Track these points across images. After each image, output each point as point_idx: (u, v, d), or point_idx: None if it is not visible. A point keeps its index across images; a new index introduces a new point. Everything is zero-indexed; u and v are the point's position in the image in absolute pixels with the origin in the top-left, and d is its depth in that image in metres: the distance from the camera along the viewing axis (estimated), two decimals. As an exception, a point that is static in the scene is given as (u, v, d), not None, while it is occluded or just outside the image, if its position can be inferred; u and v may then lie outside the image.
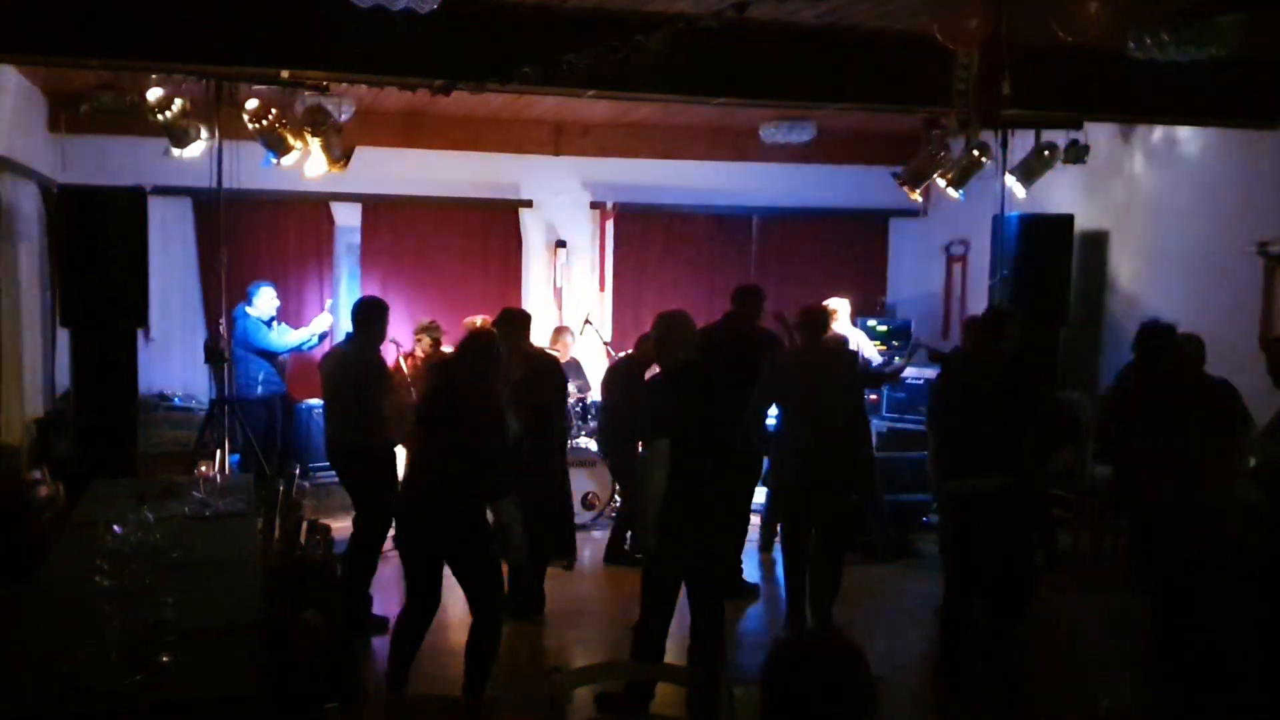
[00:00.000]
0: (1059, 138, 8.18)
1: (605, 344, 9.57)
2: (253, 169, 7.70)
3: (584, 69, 5.26)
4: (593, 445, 8.58)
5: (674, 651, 5.24)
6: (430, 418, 5.17)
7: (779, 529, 7.18)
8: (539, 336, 9.72)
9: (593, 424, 8.86)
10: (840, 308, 7.86)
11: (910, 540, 8.11)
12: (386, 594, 6.80)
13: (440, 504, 4.92)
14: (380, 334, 6.55)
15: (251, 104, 7.02)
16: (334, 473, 6.90)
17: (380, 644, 6.07)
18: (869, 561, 7.69)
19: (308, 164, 7.54)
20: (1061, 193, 9.05)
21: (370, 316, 6.46)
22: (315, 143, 7.18)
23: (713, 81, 5.94)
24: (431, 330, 8.29)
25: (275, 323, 8.89)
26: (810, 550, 6.10)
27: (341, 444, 6.49)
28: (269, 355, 8.72)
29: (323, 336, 9.06)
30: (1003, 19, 4.03)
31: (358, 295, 9.21)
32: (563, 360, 8.02)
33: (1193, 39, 5.13)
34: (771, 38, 5.80)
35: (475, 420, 4.91)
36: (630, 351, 8.16)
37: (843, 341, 7.33)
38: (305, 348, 9.04)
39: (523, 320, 6.58)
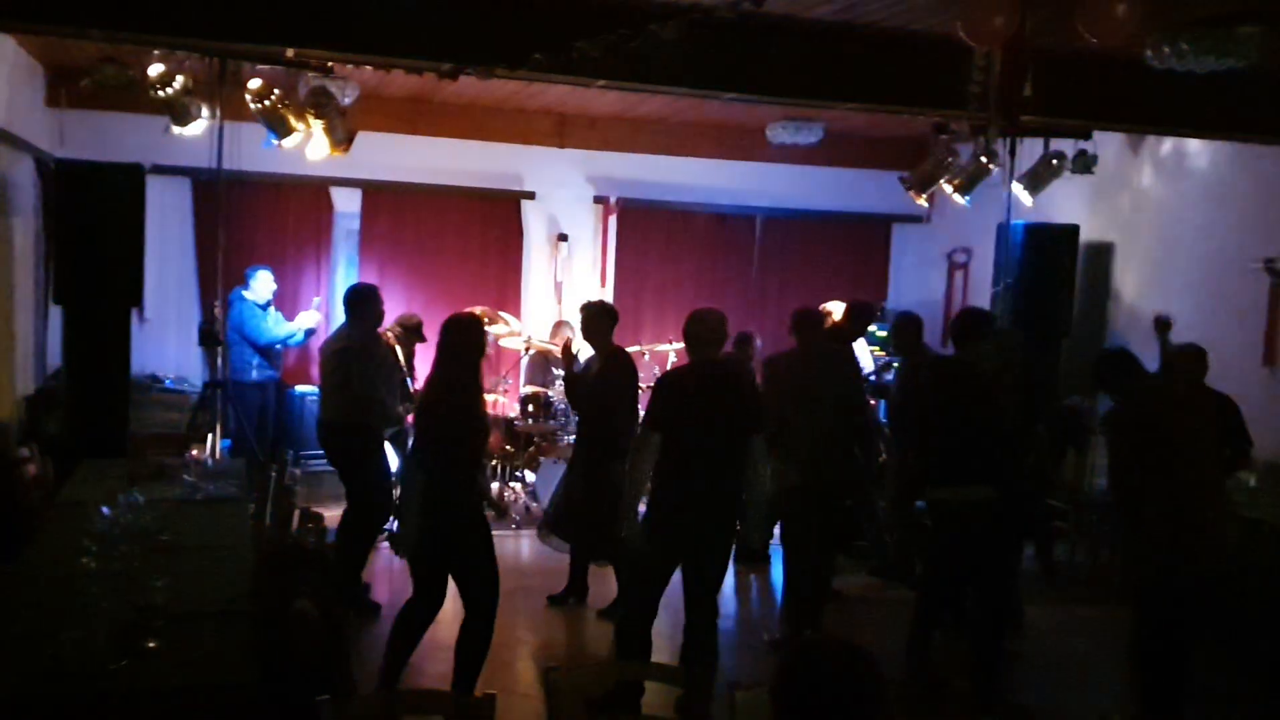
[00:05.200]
0: (1067, 147, 8.11)
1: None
2: (253, 150, 7.60)
3: (596, 57, 5.18)
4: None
5: (663, 651, 5.16)
6: (420, 405, 5.14)
7: (779, 532, 7.09)
8: (537, 329, 9.70)
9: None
10: (841, 312, 7.76)
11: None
12: (382, 583, 6.77)
13: (426, 494, 4.86)
14: (373, 317, 6.66)
15: (254, 83, 6.91)
16: (323, 454, 6.96)
17: (372, 635, 6.00)
18: (865, 568, 7.63)
19: (309, 147, 7.45)
20: (1068, 202, 9.00)
21: (360, 302, 6.61)
22: (318, 125, 7.09)
23: (724, 76, 5.86)
24: (402, 321, 8.08)
25: (271, 307, 8.83)
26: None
27: (327, 422, 6.64)
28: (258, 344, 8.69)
29: (309, 333, 9.01)
30: (1028, 17, 3.95)
31: (355, 282, 9.09)
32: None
33: (1213, 49, 5.07)
34: (786, 33, 5.73)
35: (444, 407, 4.88)
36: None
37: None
38: (292, 343, 9.02)
39: (609, 313, 6.53)
